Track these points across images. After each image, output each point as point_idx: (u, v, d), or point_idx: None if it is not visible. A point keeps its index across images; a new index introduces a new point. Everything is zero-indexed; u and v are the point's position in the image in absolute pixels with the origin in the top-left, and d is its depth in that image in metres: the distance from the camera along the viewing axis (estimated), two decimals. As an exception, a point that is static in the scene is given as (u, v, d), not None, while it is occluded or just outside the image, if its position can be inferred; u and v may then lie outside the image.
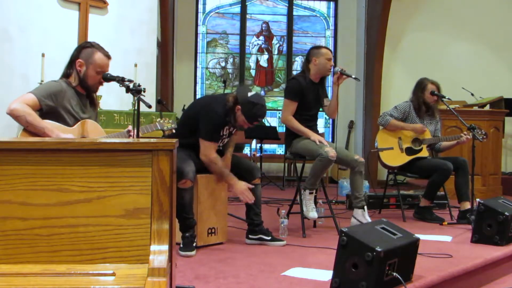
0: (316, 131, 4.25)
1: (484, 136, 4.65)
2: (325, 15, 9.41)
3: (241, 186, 3.52)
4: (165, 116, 4.64)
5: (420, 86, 4.85)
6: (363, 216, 4.08)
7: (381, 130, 4.94)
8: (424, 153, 4.81)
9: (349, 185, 4.28)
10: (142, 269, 1.64)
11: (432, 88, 4.79)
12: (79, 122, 3.03)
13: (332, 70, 4.24)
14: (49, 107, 2.93)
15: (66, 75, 3.11)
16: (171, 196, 1.73)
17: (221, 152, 3.74)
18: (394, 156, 4.83)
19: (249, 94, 3.49)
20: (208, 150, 3.47)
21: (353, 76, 4.18)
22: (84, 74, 3.06)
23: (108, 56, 3.12)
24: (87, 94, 3.16)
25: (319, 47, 4.29)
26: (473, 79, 7.90)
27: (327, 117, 9.25)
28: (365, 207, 4.13)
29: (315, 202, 4.09)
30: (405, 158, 4.81)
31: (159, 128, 3.25)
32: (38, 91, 2.96)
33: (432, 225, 4.56)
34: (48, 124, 2.88)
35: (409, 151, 4.82)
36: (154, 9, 5.90)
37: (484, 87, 7.63)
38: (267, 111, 9.13)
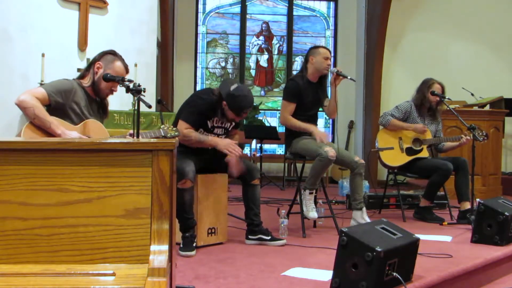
0: None
1: (485, 137, 4.65)
2: (325, 15, 9.41)
3: (225, 141, 3.55)
4: (165, 116, 4.64)
5: (427, 84, 4.83)
6: (362, 217, 4.08)
7: (382, 130, 4.94)
8: (425, 153, 4.81)
9: (349, 186, 4.28)
10: (142, 269, 1.64)
11: (437, 88, 4.78)
12: (83, 122, 3.04)
13: (330, 69, 4.23)
14: (58, 103, 2.95)
15: (81, 76, 3.17)
16: (171, 196, 1.73)
17: (217, 151, 3.75)
18: (394, 156, 4.83)
19: (231, 87, 3.50)
20: (180, 126, 3.48)
21: (349, 77, 4.17)
22: (99, 77, 3.09)
23: (127, 70, 3.19)
24: (100, 101, 3.19)
25: (317, 47, 4.30)
26: (473, 79, 7.90)
27: (327, 117, 9.26)
28: (364, 208, 4.14)
29: (315, 202, 4.09)
30: (405, 158, 4.81)
31: (163, 134, 3.26)
32: (48, 86, 2.99)
33: (432, 225, 4.56)
34: (55, 120, 2.90)
35: (409, 151, 4.82)
36: (154, 9, 5.89)
37: (484, 87, 7.62)
38: (267, 111, 9.23)
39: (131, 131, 3.21)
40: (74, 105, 3.01)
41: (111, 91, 3.16)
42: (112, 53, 3.18)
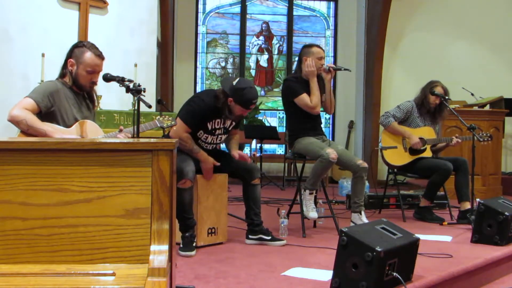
0: (320, 129, 4.28)
1: (489, 138, 4.65)
2: (325, 15, 9.42)
3: (207, 163, 3.55)
4: (165, 115, 4.64)
5: (430, 85, 4.82)
6: (360, 219, 4.08)
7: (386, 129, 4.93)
8: (428, 153, 4.79)
9: (350, 187, 4.28)
10: (142, 269, 1.64)
11: (439, 91, 4.76)
12: (77, 123, 3.03)
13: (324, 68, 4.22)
14: (48, 107, 2.93)
15: (61, 75, 3.12)
16: (171, 196, 1.73)
17: (217, 151, 3.75)
18: (397, 155, 4.82)
19: (234, 82, 3.50)
20: (179, 129, 3.47)
21: (343, 68, 4.18)
22: (75, 73, 3.05)
23: (100, 56, 3.08)
24: (87, 94, 3.16)
25: (310, 46, 4.25)
26: (473, 79, 7.89)
27: (327, 117, 9.26)
28: (363, 211, 4.13)
29: (315, 202, 4.09)
30: (409, 158, 4.80)
31: (158, 125, 3.24)
32: (35, 94, 2.95)
33: (432, 225, 4.56)
34: (49, 127, 2.89)
35: (412, 150, 4.80)
36: (154, 9, 5.90)
37: (484, 87, 7.62)
38: (267, 111, 9.23)
39: (122, 127, 3.19)
40: (64, 105, 2.99)
41: (93, 83, 3.10)
42: (81, 45, 3.10)
